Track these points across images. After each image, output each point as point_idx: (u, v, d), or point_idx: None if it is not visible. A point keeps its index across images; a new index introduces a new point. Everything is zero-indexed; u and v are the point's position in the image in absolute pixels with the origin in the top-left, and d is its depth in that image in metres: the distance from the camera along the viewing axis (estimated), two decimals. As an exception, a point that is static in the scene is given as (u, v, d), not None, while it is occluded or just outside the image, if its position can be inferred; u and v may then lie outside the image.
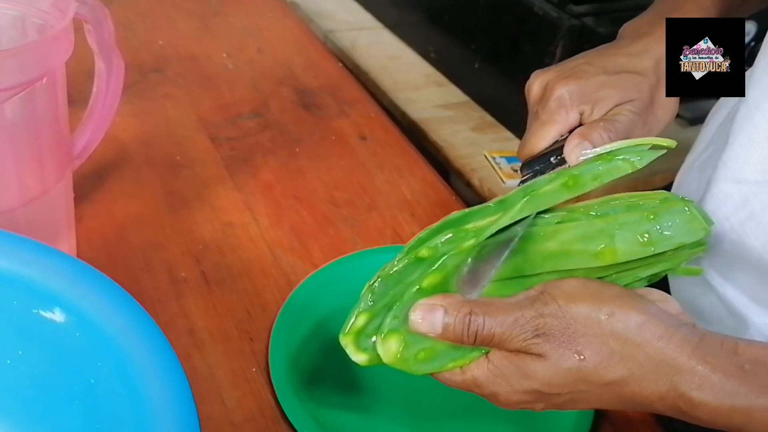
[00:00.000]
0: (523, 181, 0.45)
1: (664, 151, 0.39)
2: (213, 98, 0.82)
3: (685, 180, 0.54)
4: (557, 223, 0.37)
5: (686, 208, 0.36)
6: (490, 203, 0.39)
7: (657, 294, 0.38)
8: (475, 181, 0.94)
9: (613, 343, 0.35)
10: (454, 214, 0.39)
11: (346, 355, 0.38)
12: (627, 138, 0.44)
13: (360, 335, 0.37)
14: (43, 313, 0.38)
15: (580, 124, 0.47)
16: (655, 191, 0.38)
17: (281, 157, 0.75)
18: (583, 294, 0.35)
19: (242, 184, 0.70)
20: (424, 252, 0.38)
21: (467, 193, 0.97)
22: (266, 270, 0.61)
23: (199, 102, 0.81)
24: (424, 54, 1.21)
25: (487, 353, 0.37)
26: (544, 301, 0.36)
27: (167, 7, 0.99)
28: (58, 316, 0.38)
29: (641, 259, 0.36)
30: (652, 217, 0.35)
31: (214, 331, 0.55)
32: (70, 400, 0.39)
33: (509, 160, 0.96)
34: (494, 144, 1.01)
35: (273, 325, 0.54)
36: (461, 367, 0.37)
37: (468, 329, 0.35)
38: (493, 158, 0.96)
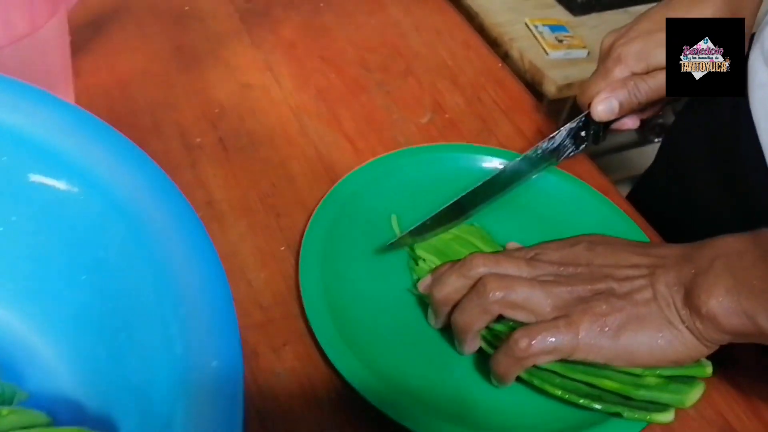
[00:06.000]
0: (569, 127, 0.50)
1: None
2: (224, -58, 0.71)
3: None
4: None
5: None
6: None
7: None
8: (515, 53, 0.84)
9: None
10: None
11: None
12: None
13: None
14: (39, 170, 0.32)
15: None
16: None
17: (304, 13, 0.65)
18: None
19: (261, 41, 0.61)
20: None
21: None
22: (291, 138, 0.54)
23: (208, -54, 0.70)
24: None
25: None
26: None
27: None
28: (57, 174, 0.32)
29: None
30: None
31: (236, 204, 0.48)
32: (75, 274, 0.33)
33: (553, 29, 0.87)
34: (536, 11, 0.90)
35: (306, 226, 0.46)
36: None
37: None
38: (536, 26, 0.86)
